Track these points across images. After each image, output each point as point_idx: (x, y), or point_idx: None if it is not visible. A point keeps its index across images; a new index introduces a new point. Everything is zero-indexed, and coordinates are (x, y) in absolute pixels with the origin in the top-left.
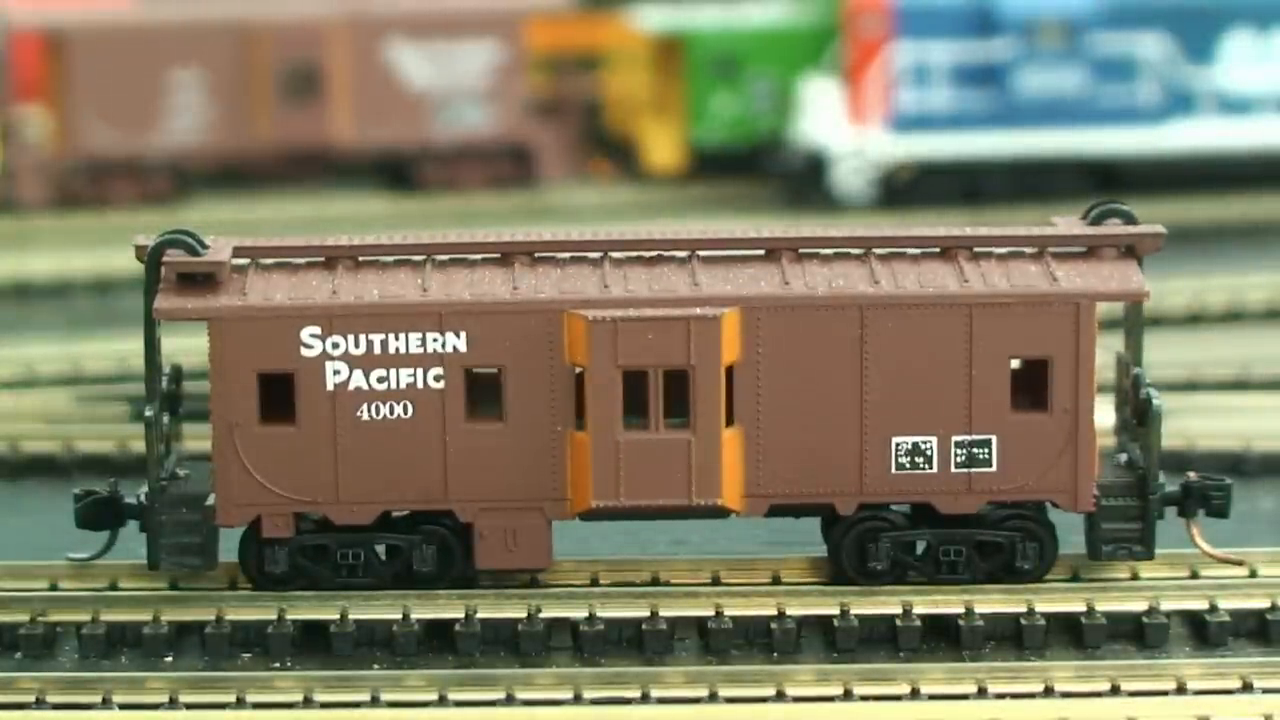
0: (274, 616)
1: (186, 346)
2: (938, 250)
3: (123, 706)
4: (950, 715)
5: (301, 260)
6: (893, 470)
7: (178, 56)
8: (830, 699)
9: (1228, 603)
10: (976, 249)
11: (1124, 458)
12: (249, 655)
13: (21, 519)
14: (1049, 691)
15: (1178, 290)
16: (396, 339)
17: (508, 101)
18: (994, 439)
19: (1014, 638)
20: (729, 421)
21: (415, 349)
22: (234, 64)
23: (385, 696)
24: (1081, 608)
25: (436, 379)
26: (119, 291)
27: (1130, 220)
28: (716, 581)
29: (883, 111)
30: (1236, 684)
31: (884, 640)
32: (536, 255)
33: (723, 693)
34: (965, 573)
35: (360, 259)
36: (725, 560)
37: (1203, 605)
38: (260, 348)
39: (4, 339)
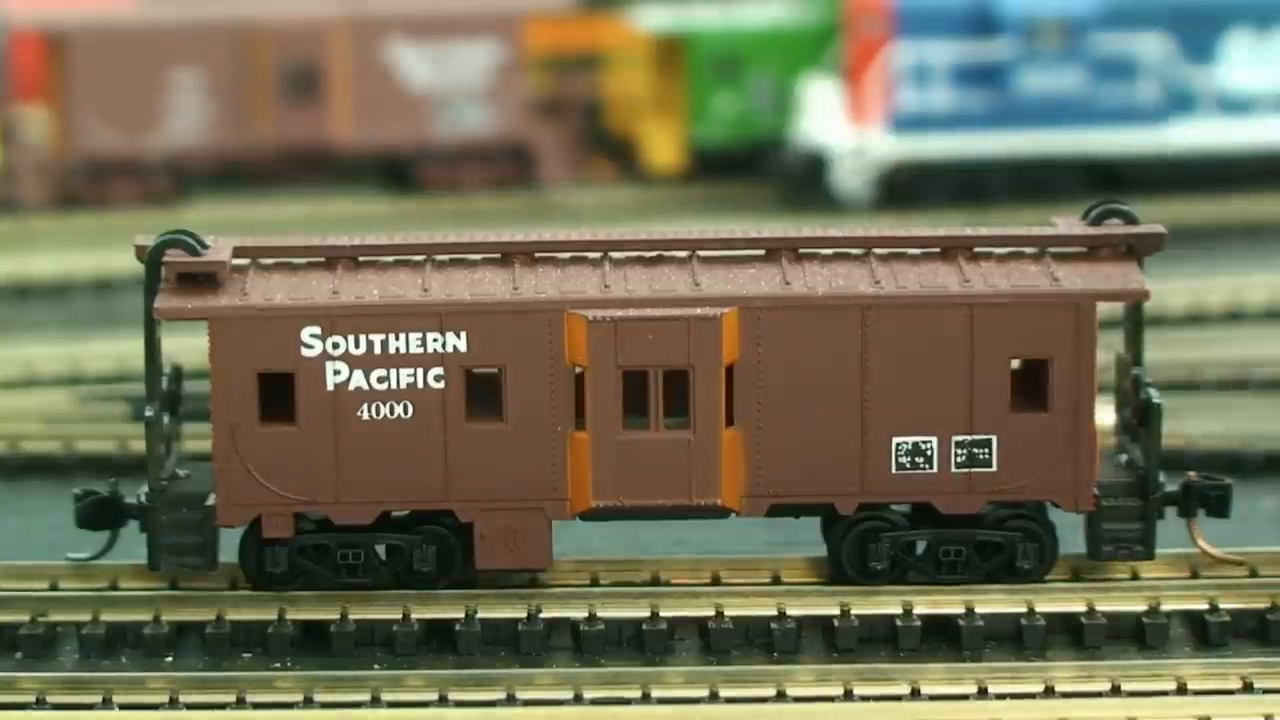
0: (274, 616)
1: (186, 346)
2: (938, 250)
3: (123, 706)
4: (950, 715)
5: (301, 260)
6: (893, 470)
7: (178, 56)
8: (830, 699)
9: (1228, 603)
10: (977, 249)
11: (1124, 458)
12: (249, 655)
13: (21, 519)
14: (1049, 691)
15: (1178, 290)
16: (397, 339)
17: (508, 101)
18: (994, 439)
19: (1014, 638)
20: (729, 421)
21: (415, 349)
22: (234, 64)
23: (385, 696)
24: (1082, 608)
25: (437, 379)
26: (119, 291)
27: (1131, 220)
28: (716, 581)
29: (883, 111)
30: (1236, 684)
31: (884, 640)
32: (536, 255)
33: (723, 693)
34: (965, 573)
35: (360, 259)
36: (725, 560)
37: (1203, 605)
38: (260, 348)
39: (4, 339)
